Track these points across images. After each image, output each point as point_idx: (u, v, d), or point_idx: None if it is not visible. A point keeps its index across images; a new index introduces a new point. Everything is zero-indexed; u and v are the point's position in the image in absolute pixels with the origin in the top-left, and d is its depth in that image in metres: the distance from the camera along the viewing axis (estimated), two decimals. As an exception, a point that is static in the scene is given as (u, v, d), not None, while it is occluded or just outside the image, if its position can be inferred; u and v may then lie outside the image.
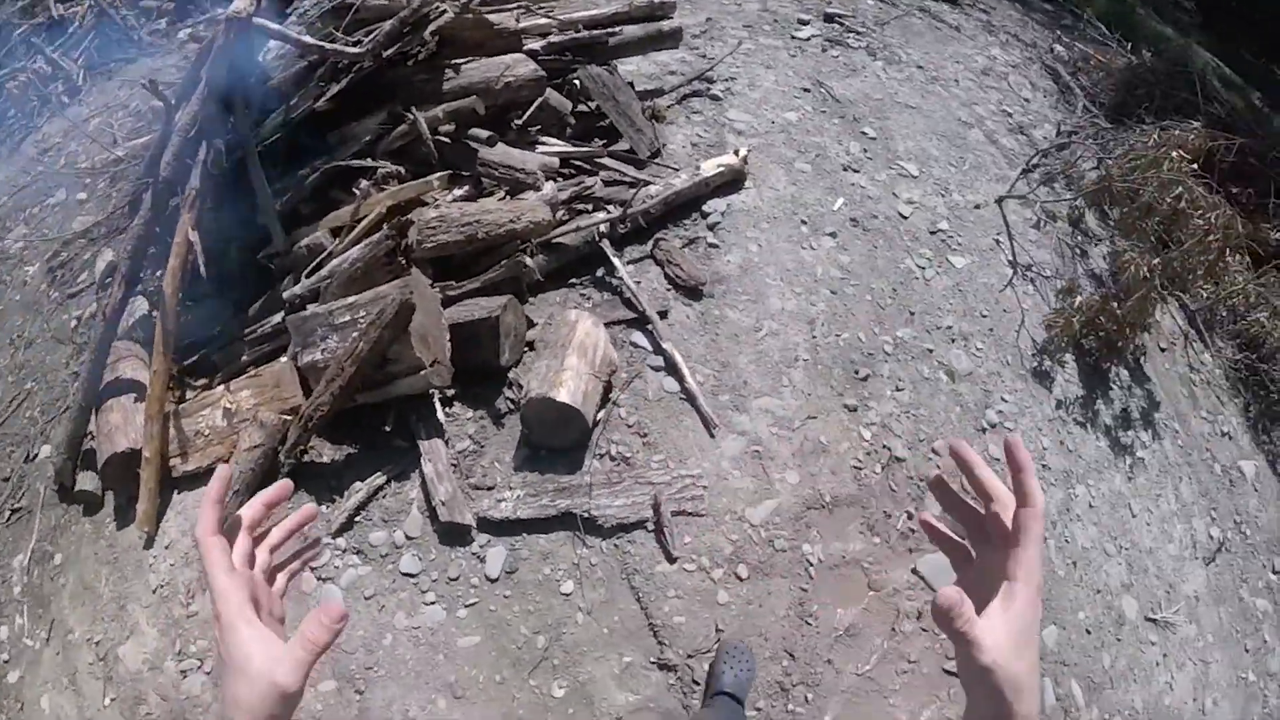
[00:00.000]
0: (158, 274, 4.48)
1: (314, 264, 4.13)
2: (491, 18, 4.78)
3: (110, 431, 3.99)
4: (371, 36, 3.98)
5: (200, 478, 3.89)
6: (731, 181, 4.90)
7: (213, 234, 4.43)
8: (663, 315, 4.18)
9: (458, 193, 4.02)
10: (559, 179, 4.66)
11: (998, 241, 5.26)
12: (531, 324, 4.12)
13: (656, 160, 5.14)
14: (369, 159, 4.20)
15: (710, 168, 4.75)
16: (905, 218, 5.15)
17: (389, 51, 4.05)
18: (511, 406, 3.88)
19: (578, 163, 4.88)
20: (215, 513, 0.97)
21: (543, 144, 4.88)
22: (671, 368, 4.04)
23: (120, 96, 6.41)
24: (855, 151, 5.48)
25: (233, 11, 3.63)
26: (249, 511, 1.07)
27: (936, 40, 7.02)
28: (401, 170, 4.16)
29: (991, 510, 0.94)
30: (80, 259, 5.28)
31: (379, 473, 3.78)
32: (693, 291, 4.31)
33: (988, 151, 5.95)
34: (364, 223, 3.98)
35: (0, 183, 6.12)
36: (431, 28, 4.03)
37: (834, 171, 5.28)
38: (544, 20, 5.50)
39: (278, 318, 4.24)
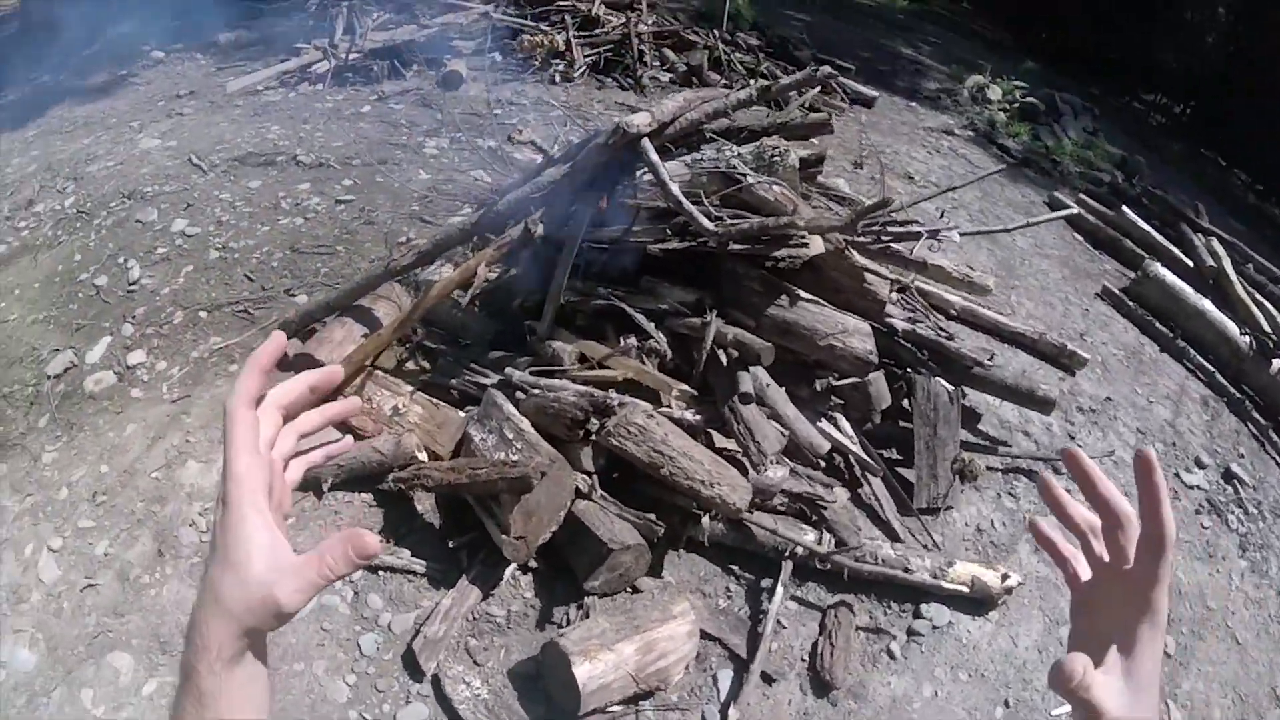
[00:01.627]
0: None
1: (544, 369, 4.05)
2: (870, 269, 4.31)
3: (324, 338, 4.58)
4: (729, 224, 3.75)
5: (351, 431, 4.00)
6: (974, 600, 3.88)
7: (508, 277, 4.66)
8: (766, 679, 3.37)
9: (686, 415, 3.62)
10: (811, 466, 4.05)
11: None
12: (657, 575, 3.61)
13: (926, 514, 4.29)
14: (654, 322, 3.99)
15: (959, 576, 3.80)
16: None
17: (738, 247, 3.78)
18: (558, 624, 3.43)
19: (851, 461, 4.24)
20: (256, 382, 0.86)
21: (831, 423, 4.31)
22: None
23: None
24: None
25: (628, 123, 3.63)
26: (288, 390, 0.93)
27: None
28: (667, 355, 3.88)
29: (1111, 529, 0.86)
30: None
31: (422, 559, 3.63)
32: (821, 683, 3.44)
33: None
34: (597, 374, 3.79)
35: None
36: (785, 252, 3.68)
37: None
38: (919, 302, 4.93)
39: (492, 379, 4.24)
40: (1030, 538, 4.43)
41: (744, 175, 3.89)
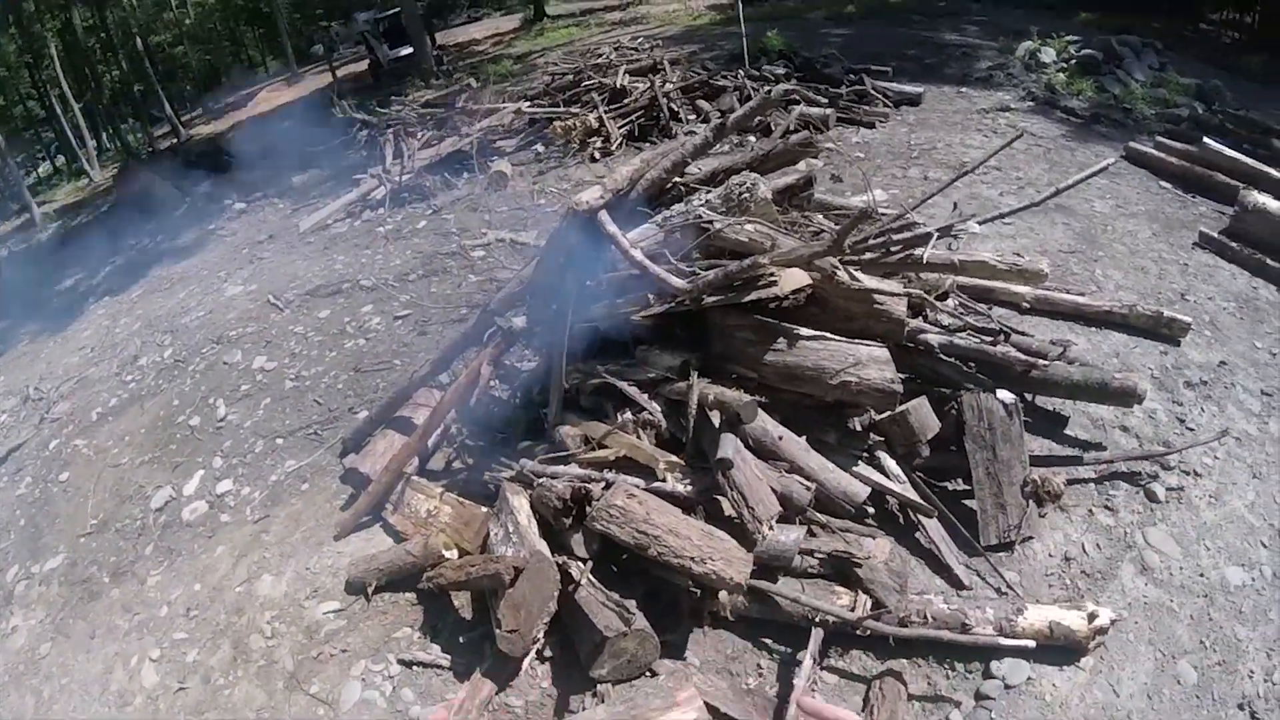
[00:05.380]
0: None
1: (554, 455, 3.84)
2: (886, 292, 3.78)
3: (369, 452, 4.69)
4: (698, 277, 3.41)
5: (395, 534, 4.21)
6: (1060, 648, 3.20)
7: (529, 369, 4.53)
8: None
9: (679, 488, 3.26)
10: (852, 517, 3.57)
11: None
12: (679, 656, 3.23)
13: (998, 551, 3.65)
14: (648, 393, 3.68)
15: (1031, 626, 3.14)
16: None
17: (711, 300, 3.43)
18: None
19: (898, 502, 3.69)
20: None
21: (873, 464, 3.80)
22: None
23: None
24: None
25: (577, 201, 3.42)
26: None
27: None
28: (662, 425, 3.56)
29: None
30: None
31: (450, 654, 3.51)
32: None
33: None
34: (593, 455, 3.52)
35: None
36: (754, 295, 3.29)
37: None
38: (955, 307, 4.29)
39: (507, 473, 4.08)
40: (1135, 558, 3.67)
41: (710, 223, 3.56)
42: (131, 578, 4.58)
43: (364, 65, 22.50)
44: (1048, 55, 10.30)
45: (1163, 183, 7.41)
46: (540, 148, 9.78)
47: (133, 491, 5.33)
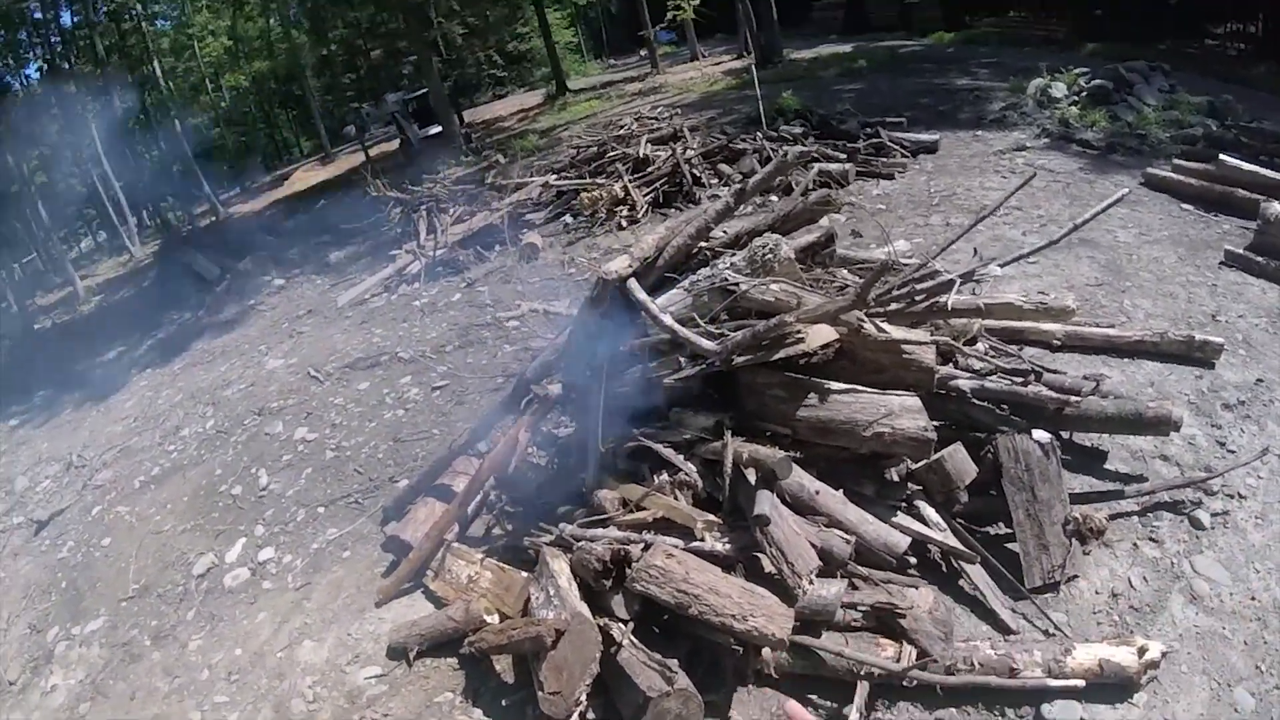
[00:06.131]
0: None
1: (593, 519, 3.91)
2: (914, 342, 3.83)
3: (410, 519, 4.77)
4: (727, 338, 3.51)
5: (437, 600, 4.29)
6: (1112, 686, 3.12)
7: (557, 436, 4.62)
8: None
9: (718, 546, 3.30)
10: (895, 569, 3.56)
11: None
12: (724, 716, 3.21)
13: (1044, 593, 3.60)
14: (683, 454, 3.76)
15: (1080, 665, 3.08)
16: None
17: (741, 360, 3.52)
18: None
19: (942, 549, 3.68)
20: None
21: (912, 514, 3.79)
22: None
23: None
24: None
25: (607, 271, 3.56)
26: None
27: None
28: (698, 485, 3.62)
29: None
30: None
31: (476, 704, 3.57)
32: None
33: None
34: (631, 517, 3.59)
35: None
36: (782, 353, 3.38)
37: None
38: (984, 351, 4.31)
39: (546, 538, 4.14)
40: (1184, 587, 3.59)
41: (736, 285, 3.68)
42: (173, 641, 4.67)
43: (395, 144, 23.43)
44: (1059, 90, 10.47)
45: (1184, 205, 7.43)
46: (569, 219, 10.10)
47: (175, 558, 5.49)
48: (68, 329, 15.61)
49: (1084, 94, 10.38)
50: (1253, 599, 3.47)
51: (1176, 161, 8.03)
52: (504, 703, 3.57)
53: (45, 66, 27.12)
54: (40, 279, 24.48)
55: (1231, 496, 3.97)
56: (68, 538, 6.22)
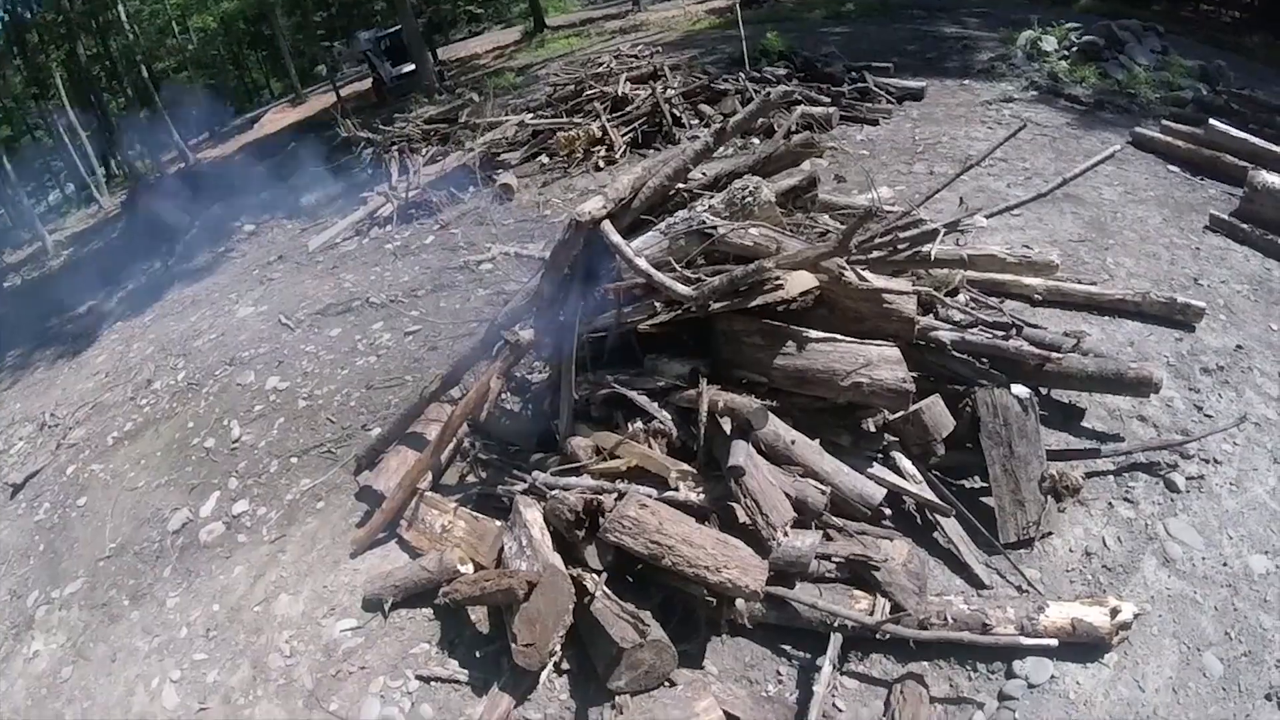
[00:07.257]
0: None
1: (567, 466, 3.83)
2: (895, 291, 3.74)
3: (382, 469, 4.68)
4: (704, 284, 3.40)
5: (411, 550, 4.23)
6: (1084, 645, 3.15)
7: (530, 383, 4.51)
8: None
9: (692, 497, 3.25)
10: (869, 520, 3.54)
11: None
12: (697, 665, 3.21)
13: (1018, 548, 3.60)
14: (658, 401, 3.67)
15: (1053, 624, 3.10)
16: None
17: (718, 306, 3.42)
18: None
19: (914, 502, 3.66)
20: None
21: (888, 465, 3.77)
22: None
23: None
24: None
25: (580, 212, 3.41)
26: None
27: None
28: (673, 433, 3.54)
29: None
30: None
31: (468, 669, 3.50)
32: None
33: None
34: (605, 466, 3.51)
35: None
36: (760, 299, 3.27)
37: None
38: (966, 303, 4.24)
39: (520, 486, 4.08)
40: (1157, 550, 3.61)
41: (714, 228, 3.54)
42: (151, 600, 4.61)
43: (368, 84, 22.67)
44: (1049, 44, 10.24)
45: (1170, 167, 7.34)
46: (545, 159, 9.80)
47: (150, 514, 5.38)
48: (38, 286, 15.15)
49: (1074, 49, 10.17)
50: (1224, 565, 3.50)
51: (1165, 123, 7.92)
52: (479, 653, 3.55)
53: (6, 16, 25.82)
54: (7, 236, 23.65)
55: (1207, 461, 3.99)
56: (44, 499, 6.09)
